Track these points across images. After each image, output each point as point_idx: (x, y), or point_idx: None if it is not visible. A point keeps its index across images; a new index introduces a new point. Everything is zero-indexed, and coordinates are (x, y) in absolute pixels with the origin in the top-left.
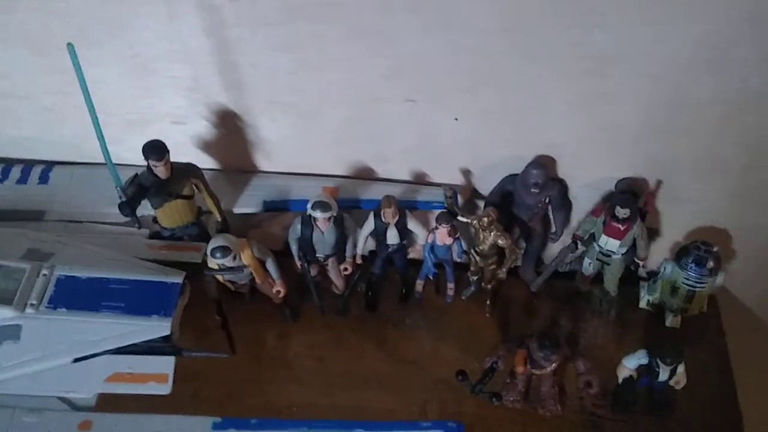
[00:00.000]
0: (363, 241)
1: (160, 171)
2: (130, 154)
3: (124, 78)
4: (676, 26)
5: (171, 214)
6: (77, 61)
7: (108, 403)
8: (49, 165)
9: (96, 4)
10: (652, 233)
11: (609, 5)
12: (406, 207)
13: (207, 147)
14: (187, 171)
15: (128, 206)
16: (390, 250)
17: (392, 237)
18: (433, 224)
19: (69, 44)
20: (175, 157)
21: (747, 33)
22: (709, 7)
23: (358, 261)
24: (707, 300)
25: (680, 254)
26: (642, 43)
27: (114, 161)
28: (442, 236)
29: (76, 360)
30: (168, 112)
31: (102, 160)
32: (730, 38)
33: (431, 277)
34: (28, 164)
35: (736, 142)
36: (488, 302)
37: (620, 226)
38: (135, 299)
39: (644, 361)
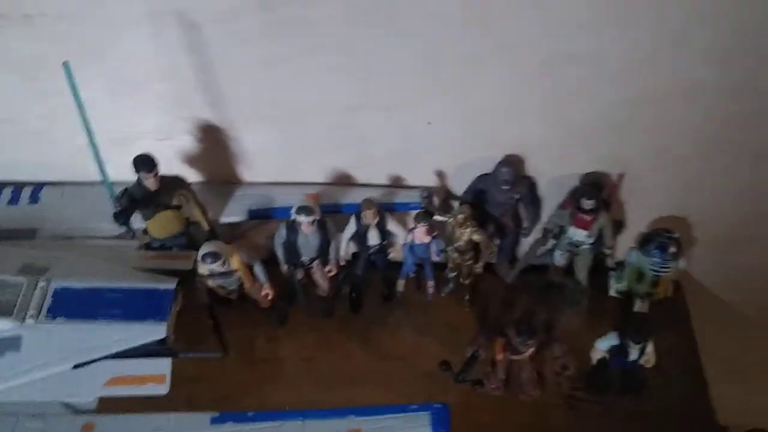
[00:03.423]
0: (345, 244)
1: (150, 183)
2: (117, 170)
3: (108, 98)
4: (629, 26)
5: (161, 225)
6: (72, 80)
7: (109, 405)
8: (39, 185)
9: (81, 28)
10: (618, 224)
11: (568, 7)
12: (385, 209)
13: (192, 160)
14: (175, 183)
15: (122, 215)
16: (371, 250)
17: (373, 238)
18: (412, 224)
19: (65, 63)
20: (162, 171)
21: (694, 31)
22: (658, 7)
23: (342, 263)
24: (672, 285)
25: (644, 242)
26: (598, 43)
27: (102, 178)
28: (421, 235)
29: (76, 366)
30: (153, 129)
31: (90, 178)
32: (679, 36)
33: (412, 276)
34: (18, 186)
35: (690, 134)
36: (467, 297)
37: (587, 216)
38: (130, 306)
39: (615, 342)
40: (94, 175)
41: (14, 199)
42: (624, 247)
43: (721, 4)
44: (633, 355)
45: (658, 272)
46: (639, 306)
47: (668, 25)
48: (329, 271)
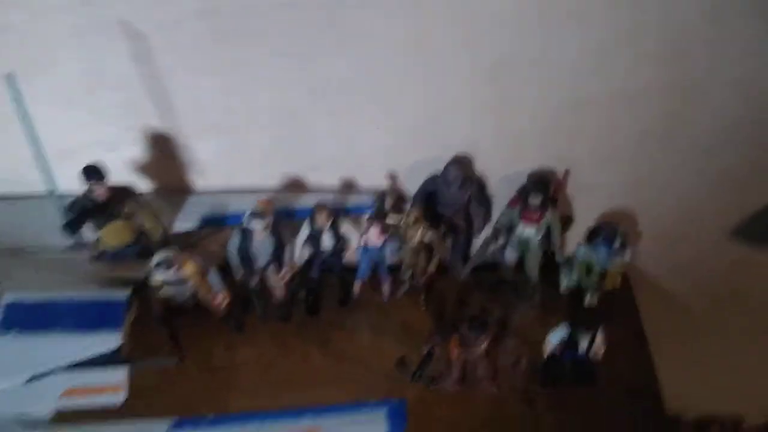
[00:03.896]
0: (300, 248)
1: (100, 193)
2: (66, 182)
3: (55, 109)
4: (576, 31)
5: (113, 235)
6: (17, 92)
7: (66, 417)
8: None
9: (25, 41)
10: (567, 221)
11: (504, 17)
12: (338, 213)
13: (143, 169)
14: (125, 192)
15: (71, 226)
16: (326, 254)
17: (327, 241)
18: (365, 227)
19: (8, 75)
20: (111, 181)
21: (641, 34)
22: (590, 15)
23: (297, 267)
24: (620, 278)
25: (590, 236)
26: (546, 47)
27: (51, 190)
28: (374, 237)
29: (31, 379)
30: (100, 140)
31: (40, 191)
32: (609, 42)
33: (366, 278)
34: None
35: (637, 133)
36: (422, 297)
37: (534, 213)
38: (84, 317)
39: (565, 334)
40: (44, 188)
41: None
42: (574, 242)
43: (668, 8)
44: (583, 345)
45: (605, 265)
46: (588, 300)
47: (615, 29)
48: (284, 276)
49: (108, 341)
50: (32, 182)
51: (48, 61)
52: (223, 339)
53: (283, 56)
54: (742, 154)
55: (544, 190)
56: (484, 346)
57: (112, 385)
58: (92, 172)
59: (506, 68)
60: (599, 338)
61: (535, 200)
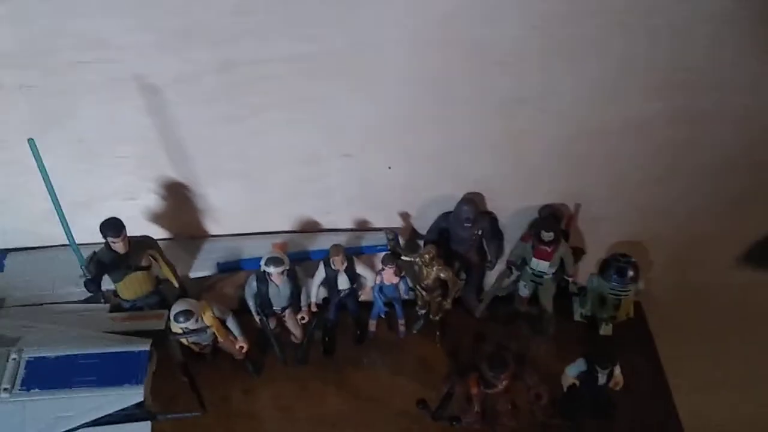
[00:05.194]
0: (316, 290)
1: (119, 247)
2: (82, 234)
3: (70, 163)
4: (571, 67)
5: (131, 286)
6: (38, 155)
7: None
8: (3, 252)
9: (40, 96)
10: (578, 252)
11: (511, 54)
12: (352, 253)
13: (158, 218)
14: (144, 243)
15: (93, 283)
16: (342, 295)
17: (343, 282)
18: (380, 266)
19: (30, 140)
20: (128, 230)
21: (633, 68)
22: (594, 48)
23: (314, 309)
24: (633, 306)
25: (603, 267)
26: (542, 85)
27: (67, 242)
28: (389, 276)
29: None
30: (117, 190)
31: (55, 242)
32: (617, 74)
33: (383, 316)
34: None
35: (644, 163)
36: (438, 333)
37: (547, 248)
38: (106, 371)
39: (584, 368)
40: (59, 239)
41: None
42: (586, 272)
43: (672, 38)
44: (601, 379)
45: (619, 296)
46: (603, 329)
47: (626, 61)
48: (302, 319)
49: (130, 396)
50: (49, 234)
51: (64, 115)
52: (241, 383)
53: (296, 102)
54: (748, 178)
55: (555, 225)
56: (504, 384)
57: None
58: (110, 227)
59: (514, 106)
60: (617, 371)
61: (547, 236)
